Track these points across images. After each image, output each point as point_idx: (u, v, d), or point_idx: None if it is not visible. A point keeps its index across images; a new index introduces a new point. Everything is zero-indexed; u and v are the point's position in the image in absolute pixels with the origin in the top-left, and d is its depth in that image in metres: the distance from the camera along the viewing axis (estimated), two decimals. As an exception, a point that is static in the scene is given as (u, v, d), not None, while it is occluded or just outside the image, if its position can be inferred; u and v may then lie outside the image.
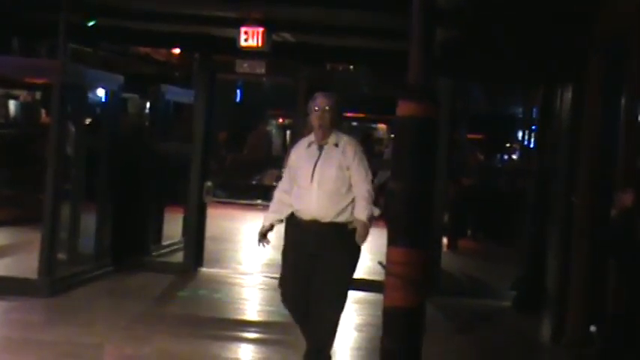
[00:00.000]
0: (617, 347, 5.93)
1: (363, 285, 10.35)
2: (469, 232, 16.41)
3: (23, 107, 20.32)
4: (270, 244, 6.53)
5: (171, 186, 12.16)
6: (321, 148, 6.25)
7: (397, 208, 4.40)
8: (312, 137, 6.36)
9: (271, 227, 6.47)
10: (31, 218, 10.70)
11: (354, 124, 24.85)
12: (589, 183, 7.52)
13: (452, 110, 10.95)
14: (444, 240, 12.63)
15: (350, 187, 6.13)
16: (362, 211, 6.03)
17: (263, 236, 6.45)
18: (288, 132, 20.00)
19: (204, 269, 11.07)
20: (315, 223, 6.13)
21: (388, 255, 4.39)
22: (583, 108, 8.09)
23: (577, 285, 7.65)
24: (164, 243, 12.04)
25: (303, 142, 6.47)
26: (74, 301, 9.04)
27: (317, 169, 6.17)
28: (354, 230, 6.05)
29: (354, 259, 6.24)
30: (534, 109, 11.24)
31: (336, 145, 6.20)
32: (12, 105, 20.78)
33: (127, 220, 10.84)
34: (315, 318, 6.22)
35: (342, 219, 6.10)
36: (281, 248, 6.55)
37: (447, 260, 11.81)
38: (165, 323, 8.13)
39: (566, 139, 8.88)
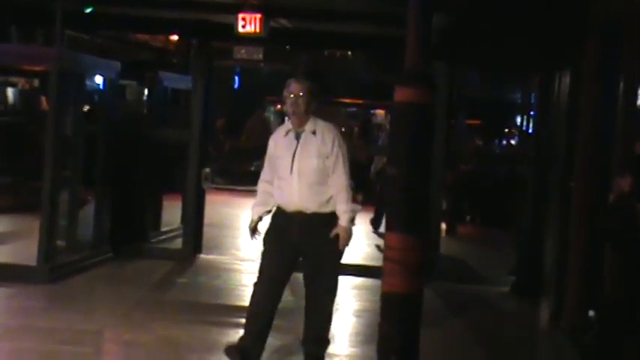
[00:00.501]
0: (614, 331, 5.94)
1: (361, 271, 10.37)
2: (467, 217, 16.43)
3: (22, 95, 20.31)
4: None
5: (170, 173, 12.14)
6: (298, 135, 6.04)
7: (394, 194, 4.38)
8: (289, 125, 6.18)
9: (260, 219, 6.32)
10: (30, 205, 10.69)
11: (353, 109, 24.88)
12: (587, 168, 7.51)
13: (449, 96, 10.95)
14: (443, 225, 12.64)
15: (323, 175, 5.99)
16: (342, 214, 5.91)
17: (254, 230, 6.31)
18: (286, 118, 20.04)
19: (202, 255, 11.08)
20: (299, 214, 5.98)
21: (386, 241, 4.40)
22: (581, 93, 8.08)
23: (575, 270, 7.65)
24: (163, 230, 12.05)
25: (281, 130, 6.30)
26: (73, 288, 9.06)
27: (296, 158, 5.98)
28: (333, 217, 5.96)
29: (337, 245, 6.08)
30: (533, 95, 11.20)
31: (314, 132, 6.00)
32: (10, 92, 20.77)
33: (126, 207, 10.84)
34: (312, 306, 6.18)
35: (326, 209, 5.95)
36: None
37: (446, 245, 11.82)
38: (164, 310, 8.13)
39: (564, 124, 8.87)
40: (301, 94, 5.95)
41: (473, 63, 11.84)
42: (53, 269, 9.11)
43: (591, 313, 6.94)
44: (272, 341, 7.34)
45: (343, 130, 23.81)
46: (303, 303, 9.00)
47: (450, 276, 10.72)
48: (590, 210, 7.24)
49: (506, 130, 23.04)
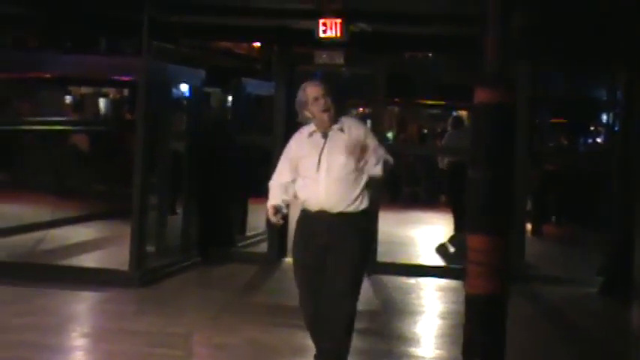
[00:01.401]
0: None
1: (444, 272, 10.34)
2: (553, 217, 16.24)
3: (112, 105, 20.68)
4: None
5: (255, 177, 12.23)
6: (325, 135, 5.76)
7: (477, 196, 4.35)
8: (312, 127, 5.85)
9: (279, 206, 5.87)
10: (122, 211, 10.87)
11: (436, 111, 24.77)
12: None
13: (531, 95, 10.84)
14: (528, 226, 12.53)
15: (360, 173, 5.69)
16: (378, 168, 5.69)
17: (275, 213, 5.83)
18: (368, 121, 19.99)
19: (288, 259, 11.13)
20: (324, 213, 5.69)
21: (469, 242, 4.36)
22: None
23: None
24: (249, 234, 12.15)
25: (303, 132, 5.94)
26: (164, 291, 9.21)
27: (323, 156, 5.69)
28: (364, 216, 5.79)
29: (366, 247, 5.99)
30: (618, 92, 11.03)
31: (342, 129, 5.76)
32: (102, 103, 21.17)
33: (213, 212, 10.95)
34: (328, 311, 5.76)
35: (352, 209, 5.70)
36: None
37: (531, 246, 11.70)
38: (251, 313, 8.20)
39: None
40: (322, 93, 5.74)
41: (557, 62, 11.68)
42: (144, 274, 9.26)
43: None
44: (358, 343, 7.39)
45: (425, 131, 23.92)
46: (387, 304, 9.12)
47: (536, 277, 10.61)
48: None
49: (592, 128, 22.68)
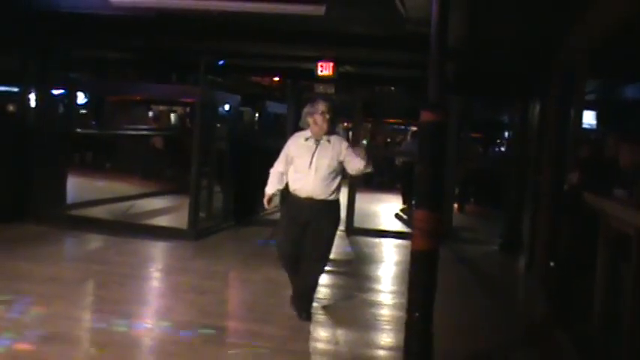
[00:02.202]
0: (567, 275, 5.82)
1: (400, 235, 10.32)
2: (472, 199, 16.20)
3: (179, 117, 20.64)
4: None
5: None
6: (317, 142, 5.53)
7: (421, 184, 4.32)
8: (308, 133, 5.58)
9: (274, 195, 5.79)
10: (184, 189, 10.84)
11: (395, 126, 24.70)
12: (550, 167, 7.38)
13: (459, 117, 10.81)
14: (455, 205, 12.51)
15: (337, 173, 5.54)
16: (362, 160, 5.45)
17: (269, 201, 5.78)
18: (350, 133, 19.94)
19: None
20: (310, 200, 5.48)
21: (415, 215, 4.33)
22: (546, 116, 7.96)
23: (542, 235, 7.52)
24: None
25: (300, 136, 5.65)
26: (210, 243, 9.16)
27: (314, 158, 5.49)
28: (336, 203, 5.60)
29: (337, 226, 5.72)
30: (515, 117, 11.02)
31: (329, 141, 5.53)
32: (172, 116, 21.15)
33: (243, 192, 10.93)
34: (307, 270, 5.62)
35: (330, 197, 5.52)
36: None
37: (457, 219, 11.69)
38: (269, 258, 8.15)
39: (535, 136, 8.73)
40: (329, 112, 5.51)
41: (476, 94, 11.66)
42: (197, 231, 9.23)
43: (552, 263, 6.81)
44: (338, 281, 7.38)
45: (389, 140, 23.82)
46: (361, 254, 9.10)
47: (459, 239, 10.60)
48: (552, 195, 7.11)
49: (498, 141, 22.59)
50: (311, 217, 5.51)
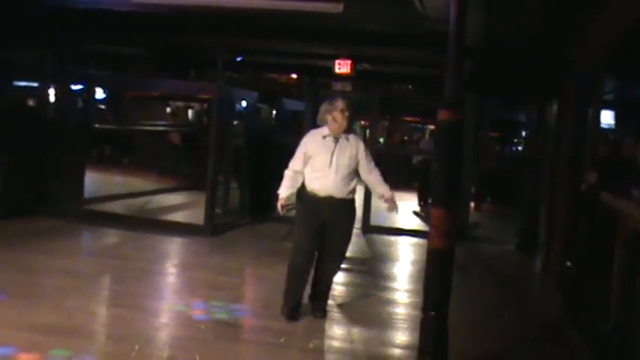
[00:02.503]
0: (583, 275, 5.80)
1: (416, 233, 10.30)
2: (488, 198, 16.14)
3: (197, 114, 20.73)
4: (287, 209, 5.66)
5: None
6: (336, 140, 5.40)
7: (438, 183, 4.32)
8: (325, 131, 5.44)
9: (287, 198, 5.57)
10: (200, 185, 10.88)
11: (413, 125, 24.65)
12: (567, 167, 7.35)
13: (477, 116, 10.77)
14: (472, 204, 12.47)
15: (355, 172, 5.47)
16: (385, 189, 5.56)
17: (282, 205, 5.57)
18: (367, 130, 19.93)
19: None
20: (330, 198, 5.36)
21: (432, 213, 4.33)
22: (564, 116, 7.91)
23: (558, 234, 7.48)
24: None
25: (317, 134, 5.49)
26: (226, 239, 9.19)
27: (334, 157, 5.36)
28: (353, 202, 5.53)
29: (354, 224, 5.67)
30: (532, 116, 10.96)
31: (347, 139, 5.44)
32: (190, 112, 21.24)
33: (259, 188, 10.94)
34: (324, 268, 5.59)
35: (349, 196, 5.45)
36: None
37: (473, 217, 11.66)
38: (284, 255, 8.11)
39: (552, 136, 8.68)
40: (348, 109, 5.40)
41: (491, 93, 11.62)
42: (213, 227, 9.26)
43: (569, 263, 6.78)
44: (354, 279, 7.38)
45: (406, 138, 23.76)
46: (377, 252, 9.10)
47: (475, 238, 10.57)
48: (569, 195, 7.07)
49: (515, 140, 22.48)
50: (329, 216, 5.40)
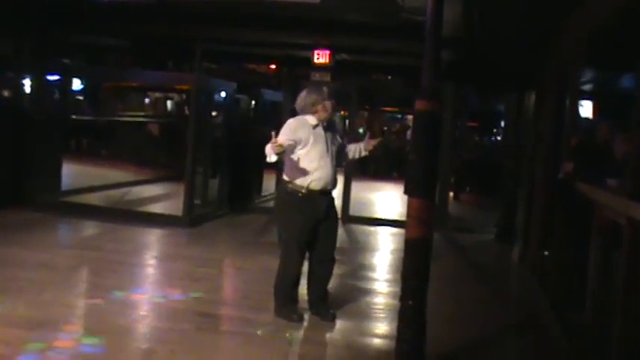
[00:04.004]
0: (560, 264, 5.84)
1: (396, 224, 10.33)
2: (467, 188, 16.23)
3: (176, 105, 20.62)
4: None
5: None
6: (325, 129, 5.19)
7: (415, 172, 4.31)
8: (311, 119, 5.15)
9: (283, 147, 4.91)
10: (178, 176, 10.83)
11: (389, 115, 24.70)
12: (545, 156, 7.40)
13: (455, 106, 10.81)
14: (451, 193, 12.52)
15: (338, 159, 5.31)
16: (361, 144, 5.46)
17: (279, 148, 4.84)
18: (346, 121, 19.94)
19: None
20: (325, 192, 5.16)
21: (408, 203, 4.32)
22: (541, 106, 7.96)
23: (536, 224, 7.54)
24: (263, 194, 12.12)
25: (305, 123, 5.15)
26: (204, 230, 9.18)
27: (328, 146, 5.17)
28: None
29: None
30: (511, 106, 11.02)
31: (332, 126, 5.29)
32: (169, 103, 21.14)
33: (239, 178, 10.93)
34: (323, 270, 5.34)
35: (336, 186, 5.28)
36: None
37: (452, 207, 11.70)
38: (263, 247, 8.18)
39: (531, 126, 8.73)
40: (334, 97, 5.22)
41: (472, 84, 11.66)
42: (192, 218, 9.25)
43: (546, 252, 6.84)
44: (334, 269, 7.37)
45: (385, 128, 23.81)
46: (355, 244, 9.11)
47: (454, 227, 10.62)
48: (546, 184, 7.13)
49: (494, 130, 22.61)
50: (325, 214, 5.18)
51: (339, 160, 5.38)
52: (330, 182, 5.19)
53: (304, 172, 5.11)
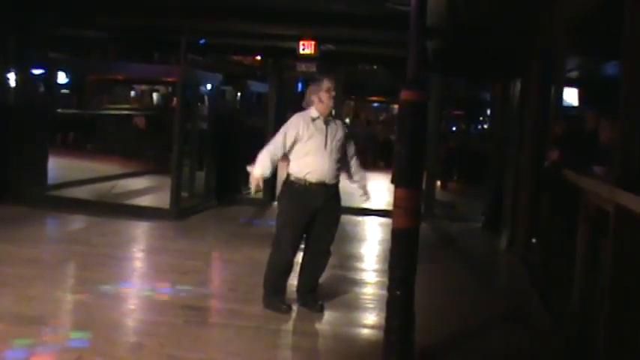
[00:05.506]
0: (548, 251, 5.86)
1: (385, 213, 10.33)
2: (455, 177, 16.26)
3: (162, 97, 20.53)
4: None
5: (254, 148, 12.04)
6: (326, 122, 5.17)
7: (401, 162, 4.29)
8: (312, 113, 5.18)
9: (262, 178, 5.24)
10: (165, 168, 10.76)
11: (376, 105, 24.69)
12: (531, 144, 7.41)
13: (441, 95, 10.80)
14: (438, 182, 12.54)
15: (343, 157, 5.28)
16: (365, 182, 5.48)
17: (257, 185, 5.24)
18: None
19: (275, 203, 10.97)
20: (322, 185, 5.10)
21: (395, 193, 4.30)
22: (527, 94, 7.97)
23: (523, 211, 7.56)
24: (250, 186, 12.05)
25: (305, 115, 5.20)
26: (192, 223, 9.14)
27: (328, 139, 5.12)
28: (338, 187, 5.25)
29: (341, 210, 5.39)
30: (496, 94, 11.04)
31: (335, 121, 5.24)
32: (155, 96, 21.03)
33: (226, 171, 10.88)
34: (316, 262, 5.33)
35: (337, 180, 5.22)
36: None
37: (440, 196, 11.73)
38: (250, 238, 8.17)
39: (517, 114, 8.74)
40: (334, 89, 5.22)
41: (457, 73, 11.65)
42: (179, 211, 9.20)
43: (533, 240, 6.85)
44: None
45: (371, 119, 23.81)
46: (343, 234, 9.08)
47: (442, 216, 10.65)
48: (533, 171, 7.14)
49: (481, 119, 22.65)
50: (322, 206, 5.13)
51: (340, 157, 5.23)
52: (328, 175, 5.13)
53: (301, 164, 5.13)
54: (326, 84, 5.20)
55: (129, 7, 9.29)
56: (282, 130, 5.24)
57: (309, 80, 5.57)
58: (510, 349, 5.02)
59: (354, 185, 5.54)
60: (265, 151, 5.22)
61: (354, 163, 5.43)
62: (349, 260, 7.49)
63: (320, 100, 5.17)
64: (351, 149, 5.40)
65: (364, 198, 5.55)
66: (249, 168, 5.29)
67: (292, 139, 5.14)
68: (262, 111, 12.61)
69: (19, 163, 9.58)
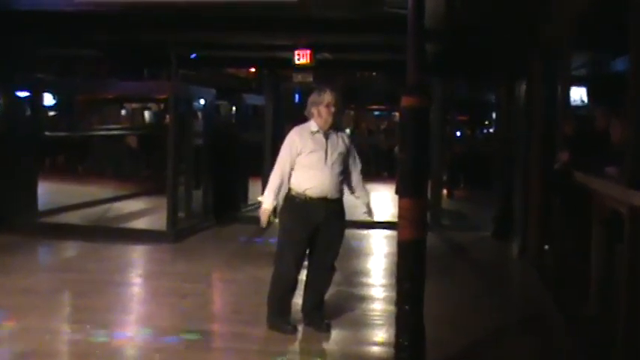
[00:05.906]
0: (561, 257, 5.86)
1: (387, 225, 10.32)
2: (462, 184, 16.25)
3: (154, 115, 20.59)
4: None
5: (252, 162, 12.07)
6: (326, 135, 5.15)
7: (404, 171, 4.30)
8: (312, 126, 5.18)
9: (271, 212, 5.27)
10: (160, 189, 10.77)
11: (377, 113, 24.71)
12: (539, 146, 7.42)
13: (443, 99, 10.82)
14: (444, 190, 12.53)
15: (346, 170, 5.27)
16: (368, 197, 5.47)
17: (267, 218, 5.29)
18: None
19: (276, 220, 10.98)
20: (324, 200, 5.08)
21: (399, 204, 4.30)
22: (533, 95, 7.99)
23: (534, 218, 7.55)
24: (250, 202, 12.06)
25: (305, 129, 5.21)
26: (190, 244, 9.13)
27: (329, 152, 5.11)
28: (342, 201, 5.25)
29: (346, 224, 5.37)
30: (501, 96, 11.04)
31: (336, 134, 5.22)
32: (147, 114, 21.10)
33: (224, 187, 10.88)
34: (320, 279, 5.32)
35: (340, 195, 5.20)
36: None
37: (446, 204, 11.72)
38: (252, 257, 8.14)
39: (523, 116, 8.75)
40: (336, 103, 5.18)
41: (460, 75, 11.68)
42: (177, 232, 9.19)
43: (546, 246, 6.84)
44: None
45: (371, 128, 23.82)
46: (347, 248, 9.07)
47: (449, 226, 10.64)
48: (542, 175, 7.14)
49: (486, 122, 22.65)
50: (324, 220, 5.12)
51: (342, 170, 5.23)
52: (330, 190, 5.13)
53: (301, 179, 5.14)
54: (326, 99, 5.16)
55: (116, 23, 9.33)
56: (284, 144, 5.24)
57: (306, 91, 5.56)
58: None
59: (358, 201, 5.54)
60: (273, 175, 5.22)
61: (355, 178, 5.42)
62: (355, 276, 7.48)
63: (319, 114, 5.18)
64: (355, 163, 5.39)
65: (367, 215, 5.55)
66: (260, 198, 5.35)
67: (297, 151, 5.14)
68: (259, 124, 12.66)
69: (8, 189, 9.58)
